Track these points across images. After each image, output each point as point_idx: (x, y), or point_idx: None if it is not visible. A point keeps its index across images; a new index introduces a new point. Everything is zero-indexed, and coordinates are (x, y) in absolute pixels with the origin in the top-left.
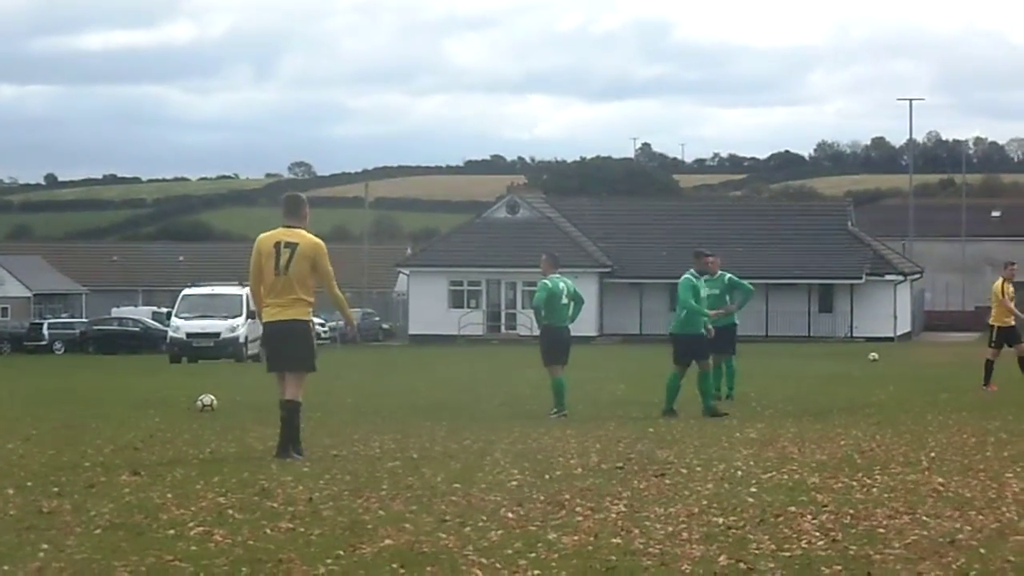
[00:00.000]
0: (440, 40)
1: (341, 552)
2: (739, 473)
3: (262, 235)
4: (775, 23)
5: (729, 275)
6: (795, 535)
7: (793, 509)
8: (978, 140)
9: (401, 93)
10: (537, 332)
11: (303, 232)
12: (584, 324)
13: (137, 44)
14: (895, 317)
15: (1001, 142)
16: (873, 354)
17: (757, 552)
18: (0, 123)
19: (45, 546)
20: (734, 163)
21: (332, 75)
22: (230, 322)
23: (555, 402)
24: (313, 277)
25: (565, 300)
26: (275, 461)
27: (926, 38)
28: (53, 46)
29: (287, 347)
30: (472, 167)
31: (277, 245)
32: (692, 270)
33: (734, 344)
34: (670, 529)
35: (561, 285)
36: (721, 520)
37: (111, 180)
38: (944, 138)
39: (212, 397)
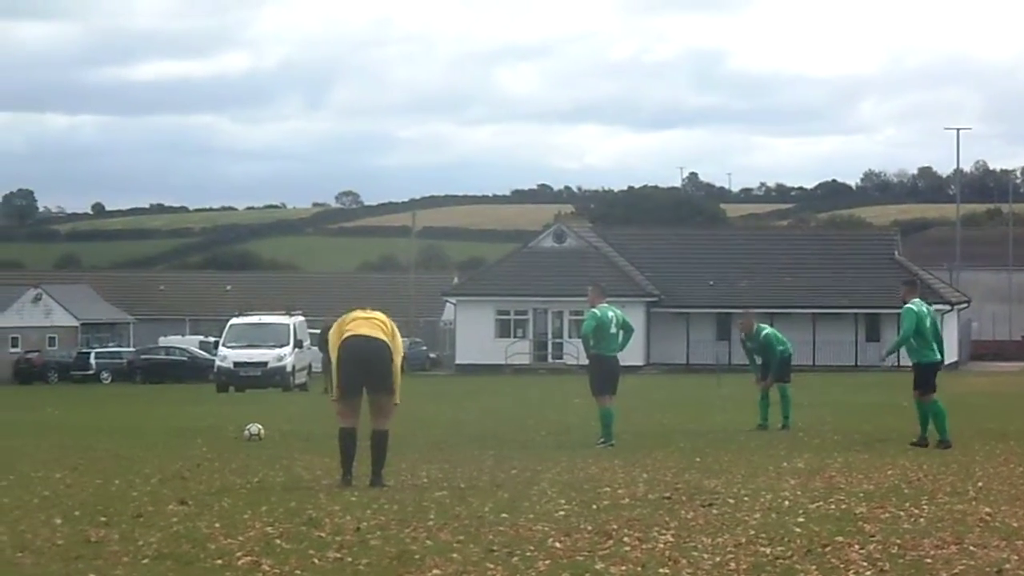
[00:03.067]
0: (492, 69)
1: None
2: (786, 503)
3: (342, 317)
4: (828, 52)
5: (765, 332)
6: (843, 565)
7: (840, 539)
8: None
9: (451, 123)
10: (585, 361)
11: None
12: (631, 354)
13: (191, 74)
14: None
15: None
16: None
17: None
18: (49, 153)
19: None
20: (781, 192)
21: (383, 105)
22: (277, 351)
23: (602, 432)
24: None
25: (614, 329)
26: (323, 490)
27: (977, 67)
28: (107, 76)
29: (368, 369)
30: (519, 196)
31: (362, 309)
32: (915, 299)
33: (789, 372)
34: (718, 559)
35: (610, 314)
36: (769, 550)
37: (158, 209)
38: (992, 167)
39: (259, 426)
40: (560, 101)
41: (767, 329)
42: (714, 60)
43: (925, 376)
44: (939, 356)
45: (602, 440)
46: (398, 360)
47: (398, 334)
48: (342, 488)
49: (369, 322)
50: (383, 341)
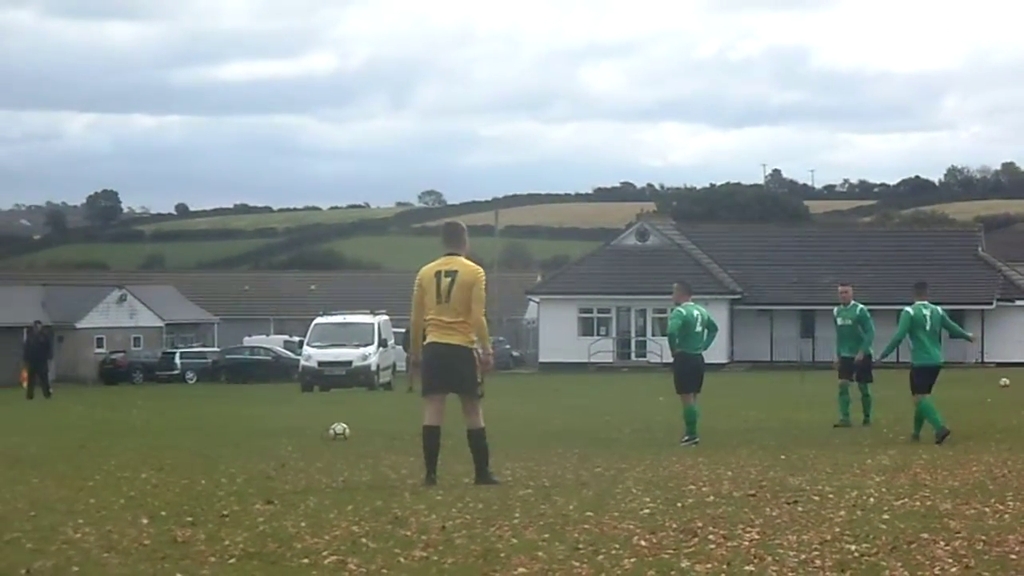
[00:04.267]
0: (576, 68)
1: None
2: (871, 500)
3: (424, 268)
4: (912, 48)
5: (861, 307)
6: (928, 562)
7: (926, 536)
8: None
9: (535, 121)
10: (669, 359)
11: (463, 260)
12: (715, 351)
13: (279, 75)
14: None
15: None
16: (1004, 380)
17: None
18: (135, 153)
19: None
20: (864, 189)
21: (467, 104)
22: (362, 351)
23: (687, 429)
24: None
25: (699, 328)
26: (408, 489)
27: None
28: (194, 77)
29: (450, 371)
30: (601, 195)
31: (437, 275)
32: (919, 302)
33: (871, 372)
34: (803, 557)
35: (696, 313)
36: (854, 547)
37: (242, 210)
38: None
39: (344, 426)
40: (643, 99)
41: (861, 305)
42: (798, 57)
43: (920, 378)
44: (936, 359)
45: (687, 438)
46: (481, 310)
47: (480, 286)
48: (427, 487)
49: (448, 328)
50: (463, 347)
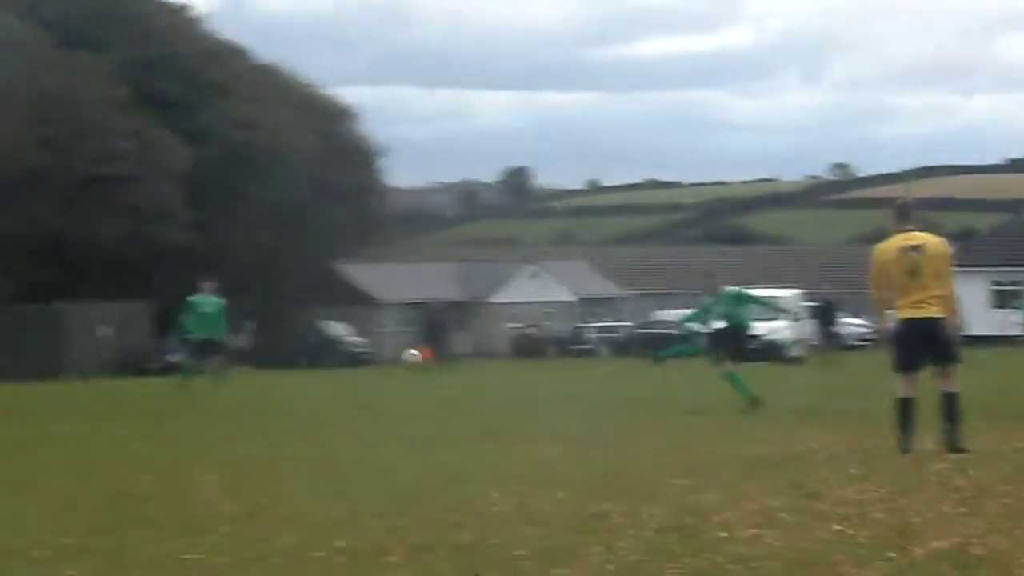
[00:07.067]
0: (994, 37)
1: (892, 554)
2: None
3: (882, 245)
4: None
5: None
6: None
7: None
8: None
9: (949, 92)
10: None
11: (924, 234)
12: None
13: (693, 50)
14: None
15: None
16: None
17: None
18: (545, 130)
19: (597, 548)
20: None
21: (879, 76)
22: (770, 324)
23: None
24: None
25: None
26: (822, 463)
27: None
28: (607, 54)
29: (931, 345)
30: (1018, 166)
31: (902, 250)
32: None
33: None
34: None
35: None
36: None
37: (651, 184)
38: None
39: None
40: None
41: None
42: None
43: None
44: None
45: None
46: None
47: (949, 258)
48: (903, 455)
49: (923, 303)
50: (941, 319)
